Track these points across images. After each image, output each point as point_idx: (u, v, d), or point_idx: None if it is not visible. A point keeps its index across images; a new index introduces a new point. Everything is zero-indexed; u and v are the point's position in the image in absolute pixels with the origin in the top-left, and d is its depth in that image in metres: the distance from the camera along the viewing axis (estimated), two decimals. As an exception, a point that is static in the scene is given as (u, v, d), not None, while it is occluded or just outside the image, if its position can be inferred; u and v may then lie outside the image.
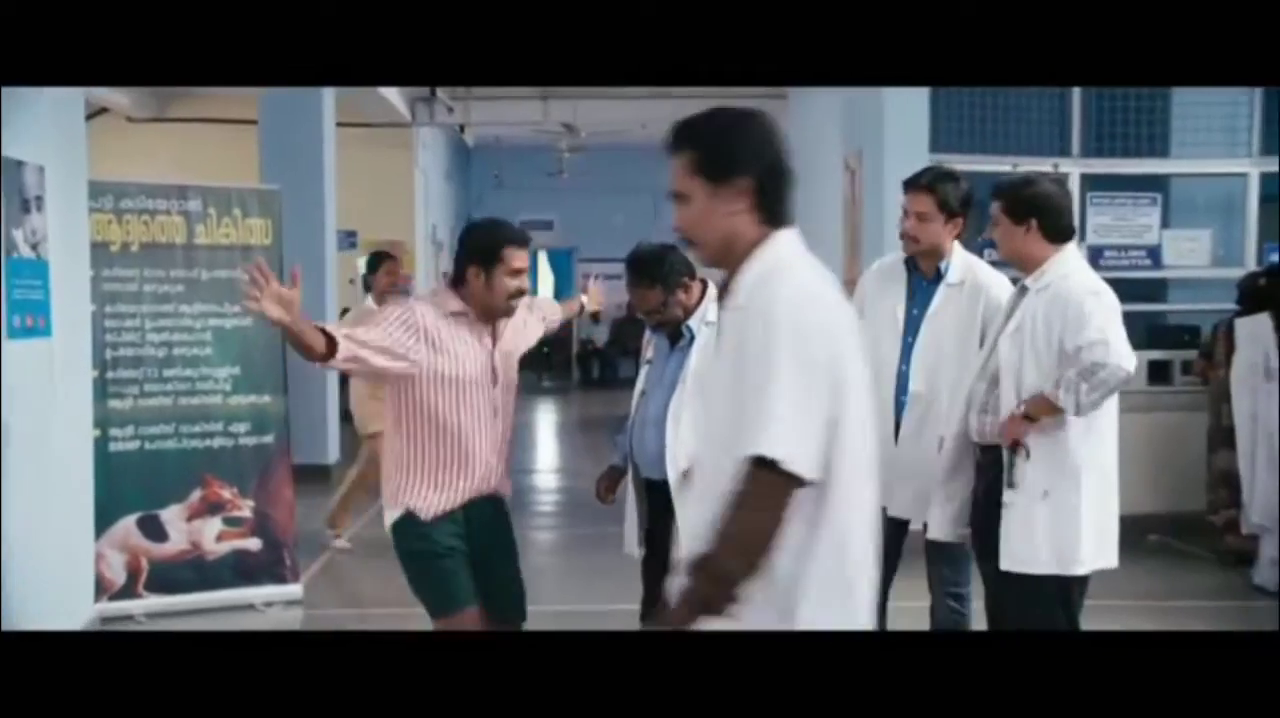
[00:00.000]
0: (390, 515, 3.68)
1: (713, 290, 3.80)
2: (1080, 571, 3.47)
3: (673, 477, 3.75)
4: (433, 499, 3.62)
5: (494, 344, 3.71)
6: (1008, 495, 3.43)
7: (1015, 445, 3.42)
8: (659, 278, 3.80)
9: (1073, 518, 3.43)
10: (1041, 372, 3.40)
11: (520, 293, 3.67)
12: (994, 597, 3.56)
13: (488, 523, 3.72)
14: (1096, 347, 3.28)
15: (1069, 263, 3.50)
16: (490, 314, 3.68)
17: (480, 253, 3.64)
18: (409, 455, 3.63)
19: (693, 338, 3.81)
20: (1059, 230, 3.50)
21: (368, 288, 7.28)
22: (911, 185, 3.96)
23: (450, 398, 3.61)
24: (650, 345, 4.04)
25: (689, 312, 3.85)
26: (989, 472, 3.51)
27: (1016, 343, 3.45)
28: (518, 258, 3.64)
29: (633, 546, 4.03)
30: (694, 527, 2.19)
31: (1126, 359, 3.30)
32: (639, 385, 4.02)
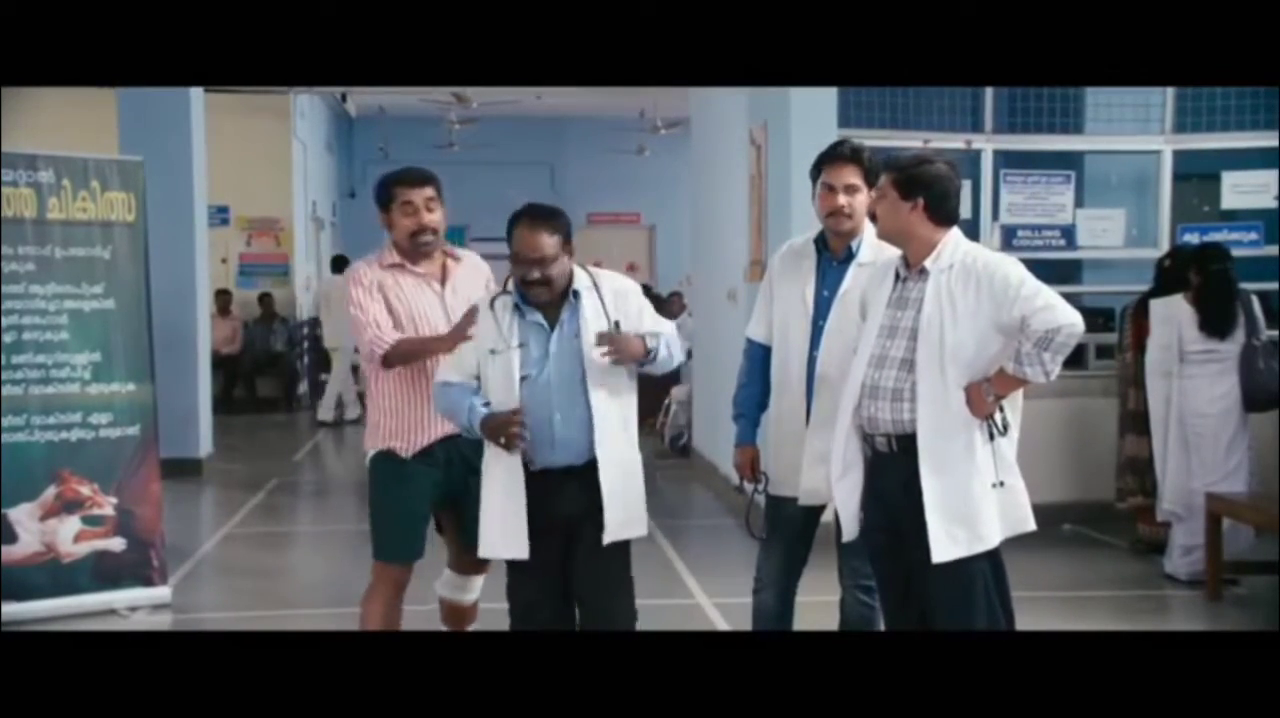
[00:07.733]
0: (369, 451, 4.16)
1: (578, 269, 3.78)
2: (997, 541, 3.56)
3: (603, 456, 3.65)
4: (407, 439, 4.06)
5: (443, 286, 4.13)
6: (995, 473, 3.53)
7: (989, 418, 3.52)
8: (559, 227, 3.67)
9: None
10: (966, 351, 3.47)
11: (420, 229, 4.08)
12: (923, 585, 3.57)
13: (465, 457, 4.00)
14: (1042, 313, 3.38)
15: (964, 242, 3.60)
16: (407, 255, 4.12)
17: (380, 199, 4.16)
18: (382, 399, 4.11)
19: (578, 299, 3.70)
20: (945, 213, 3.59)
21: None
22: (836, 157, 3.95)
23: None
24: (499, 331, 3.71)
25: (566, 282, 3.72)
26: (904, 463, 3.53)
27: (933, 328, 3.48)
28: (405, 194, 4.10)
29: (513, 548, 3.69)
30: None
31: (1074, 314, 3.41)
32: (508, 372, 3.67)
